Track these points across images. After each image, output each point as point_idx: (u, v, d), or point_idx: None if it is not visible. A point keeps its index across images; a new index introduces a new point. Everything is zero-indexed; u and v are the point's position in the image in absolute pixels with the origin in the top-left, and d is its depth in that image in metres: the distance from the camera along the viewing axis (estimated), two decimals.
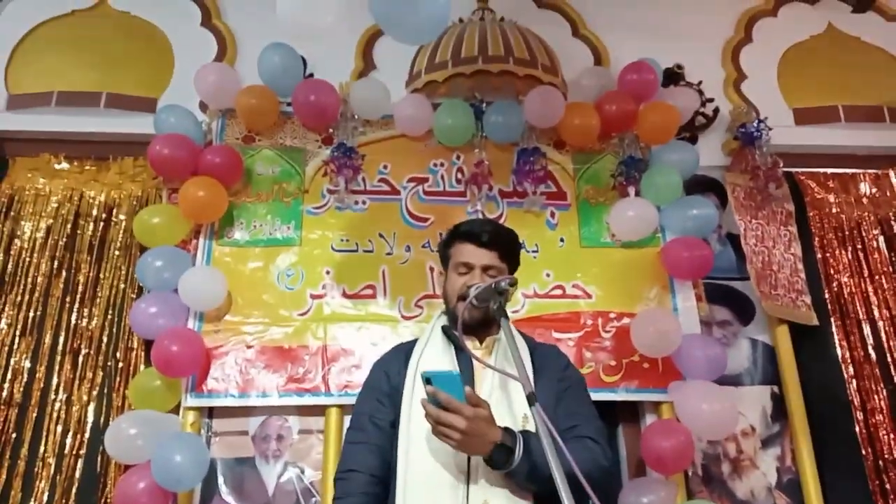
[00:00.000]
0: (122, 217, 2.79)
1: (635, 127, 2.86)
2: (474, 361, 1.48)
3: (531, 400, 1.28)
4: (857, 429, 2.65)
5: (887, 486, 2.58)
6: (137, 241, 2.64)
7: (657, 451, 2.32)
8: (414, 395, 1.56)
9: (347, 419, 2.44)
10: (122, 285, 2.69)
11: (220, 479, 2.41)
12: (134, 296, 2.65)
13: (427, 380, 1.35)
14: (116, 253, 2.73)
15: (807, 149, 3.10)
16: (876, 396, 2.70)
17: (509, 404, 1.52)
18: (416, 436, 1.51)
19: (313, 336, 2.54)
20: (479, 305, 1.58)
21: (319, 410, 2.49)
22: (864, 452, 2.62)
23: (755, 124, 2.91)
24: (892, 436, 2.65)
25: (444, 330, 1.72)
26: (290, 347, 2.52)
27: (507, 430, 1.41)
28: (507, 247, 1.71)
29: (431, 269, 2.69)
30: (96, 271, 2.70)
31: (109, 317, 2.64)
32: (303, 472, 2.45)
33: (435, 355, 1.66)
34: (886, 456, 2.62)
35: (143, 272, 2.48)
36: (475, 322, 1.64)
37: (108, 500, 2.38)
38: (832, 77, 3.22)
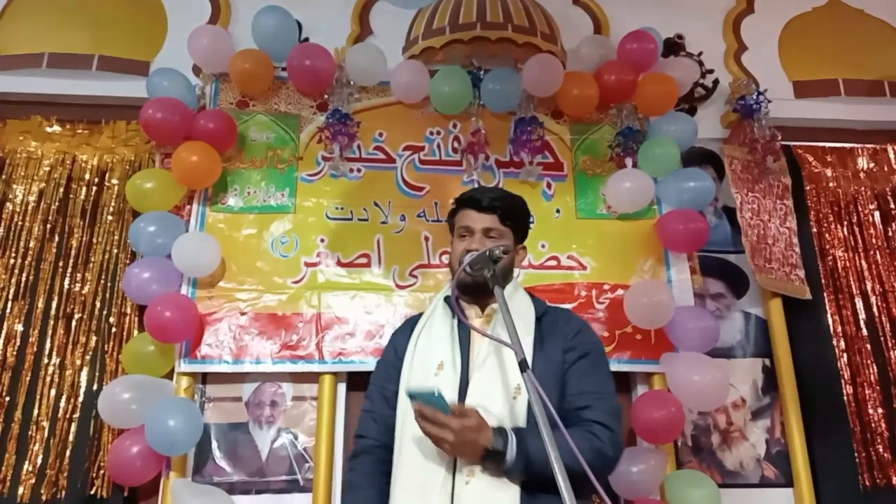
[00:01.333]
0: (114, 181, 2.76)
1: (634, 97, 2.83)
2: (513, 329, 1.44)
3: (522, 367, 1.28)
4: (847, 402, 2.68)
5: (874, 458, 2.62)
6: (130, 205, 2.61)
7: (648, 421, 2.35)
8: (412, 366, 1.59)
9: (341, 386, 2.50)
10: (115, 250, 2.68)
11: (214, 444, 2.43)
12: (127, 261, 2.64)
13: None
14: (109, 217, 2.71)
15: (806, 122, 3.08)
16: (866, 370, 2.73)
17: (503, 374, 1.52)
18: (411, 382, 1.58)
19: (307, 304, 2.54)
20: (472, 273, 1.57)
21: (313, 377, 2.50)
22: (852, 425, 2.66)
23: (755, 96, 2.88)
24: (880, 409, 2.68)
25: (446, 300, 1.72)
26: (283, 315, 2.52)
27: (499, 430, 1.40)
28: (507, 210, 1.67)
29: (426, 239, 2.68)
30: (89, 236, 2.68)
31: (102, 281, 2.63)
32: (296, 438, 2.47)
33: (436, 326, 1.66)
34: (874, 429, 2.65)
35: (136, 237, 2.47)
36: (470, 288, 1.64)
37: (102, 464, 2.39)
38: (833, 50, 3.19)
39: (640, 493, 2.32)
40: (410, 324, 1.78)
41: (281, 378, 2.52)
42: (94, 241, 2.68)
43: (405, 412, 1.55)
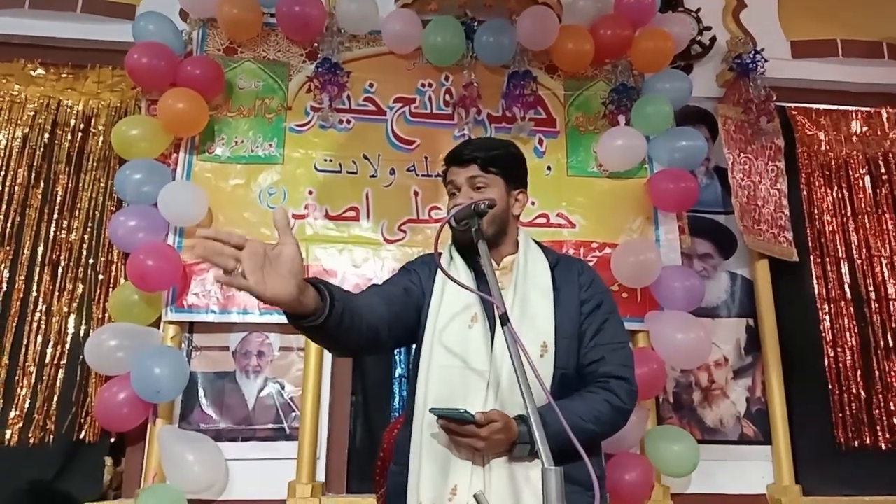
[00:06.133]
0: (100, 127, 2.73)
1: (629, 53, 2.78)
2: (495, 282, 1.39)
3: (503, 321, 1.27)
4: (827, 364, 2.73)
5: (849, 419, 2.68)
6: (116, 152, 2.58)
7: None
8: (441, 311, 1.52)
9: None
10: (101, 197, 2.66)
11: (201, 393, 2.45)
12: (113, 208, 2.62)
13: (438, 415, 1.37)
14: (95, 164, 2.69)
15: (802, 83, 3.04)
16: (847, 334, 2.77)
17: (531, 327, 1.48)
18: (443, 330, 1.50)
19: None
20: (459, 227, 1.53)
21: None
22: (830, 387, 2.71)
23: (751, 56, 2.84)
24: (859, 372, 2.73)
25: (460, 252, 1.62)
26: None
27: (521, 419, 1.37)
28: (488, 157, 1.58)
29: (416, 194, 2.66)
30: (75, 182, 2.66)
31: (89, 229, 2.62)
32: (283, 387, 2.49)
33: (462, 274, 1.56)
34: (852, 391, 2.71)
35: (122, 185, 2.44)
36: (463, 244, 1.59)
37: (89, 409, 2.42)
38: (833, 9, 3.12)
39: (621, 447, 2.37)
40: (427, 261, 1.66)
41: (268, 328, 2.53)
42: (80, 187, 2.66)
43: (431, 341, 1.49)
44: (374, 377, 2.66)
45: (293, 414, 2.46)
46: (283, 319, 2.43)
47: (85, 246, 2.60)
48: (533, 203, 2.68)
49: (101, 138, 2.71)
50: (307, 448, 2.37)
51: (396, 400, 2.59)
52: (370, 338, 1.40)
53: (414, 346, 1.60)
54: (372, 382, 2.65)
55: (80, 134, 2.71)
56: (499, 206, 1.56)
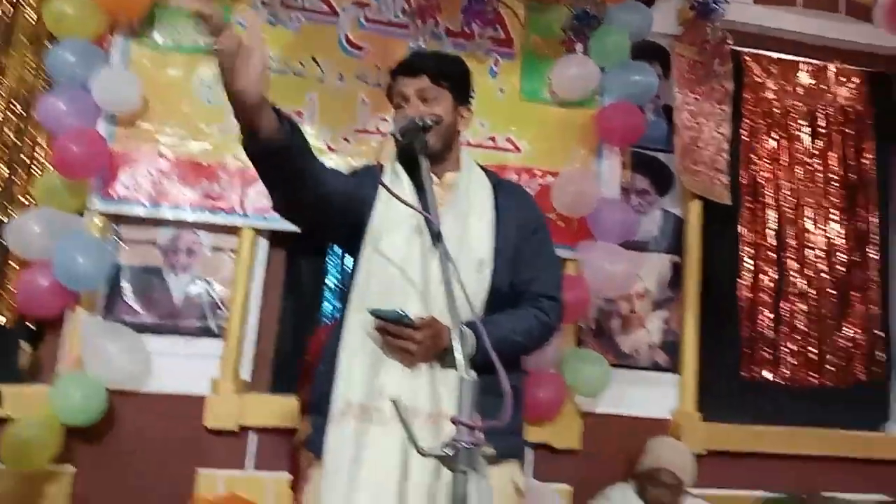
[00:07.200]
0: (32, 2, 2.56)
1: None
2: (433, 199, 1.39)
3: (437, 238, 1.29)
4: (741, 303, 2.89)
5: (755, 356, 2.87)
6: (48, 30, 2.44)
7: None
8: (388, 205, 1.50)
9: (263, 242, 2.51)
10: (30, 77, 2.53)
11: (126, 285, 2.42)
12: (43, 89, 2.50)
13: (377, 315, 1.38)
14: (25, 41, 2.54)
15: (758, 29, 3.04)
16: (765, 277, 2.91)
17: (469, 244, 1.50)
18: (383, 239, 1.50)
19: (233, 156, 2.47)
20: (402, 140, 1.51)
21: (234, 230, 2.48)
22: (741, 325, 2.89)
23: None
24: (770, 314, 2.90)
25: (404, 165, 1.58)
26: (207, 164, 2.46)
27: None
28: (439, 69, 1.56)
29: (364, 102, 2.61)
30: (2, 58, 2.52)
31: (18, 110, 2.50)
32: (211, 286, 2.48)
33: (405, 188, 1.54)
34: (760, 331, 2.89)
35: (54, 65, 2.33)
36: (406, 158, 1.57)
37: (5, 294, 2.38)
38: None
39: (540, 365, 2.46)
40: (371, 172, 1.63)
41: (199, 227, 2.49)
42: (7, 64, 2.52)
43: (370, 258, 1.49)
44: (305, 283, 2.67)
45: (220, 312, 2.46)
46: (214, 219, 2.46)
47: (11, 127, 2.48)
48: (483, 125, 2.66)
49: (33, 14, 2.54)
50: (233, 346, 2.39)
51: (325, 307, 2.62)
52: (320, 193, 1.44)
53: (349, 256, 1.62)
54: (303, 288, 2.67)
55: (11, 8, 2.54)
56: (445, 121, 1.55)
